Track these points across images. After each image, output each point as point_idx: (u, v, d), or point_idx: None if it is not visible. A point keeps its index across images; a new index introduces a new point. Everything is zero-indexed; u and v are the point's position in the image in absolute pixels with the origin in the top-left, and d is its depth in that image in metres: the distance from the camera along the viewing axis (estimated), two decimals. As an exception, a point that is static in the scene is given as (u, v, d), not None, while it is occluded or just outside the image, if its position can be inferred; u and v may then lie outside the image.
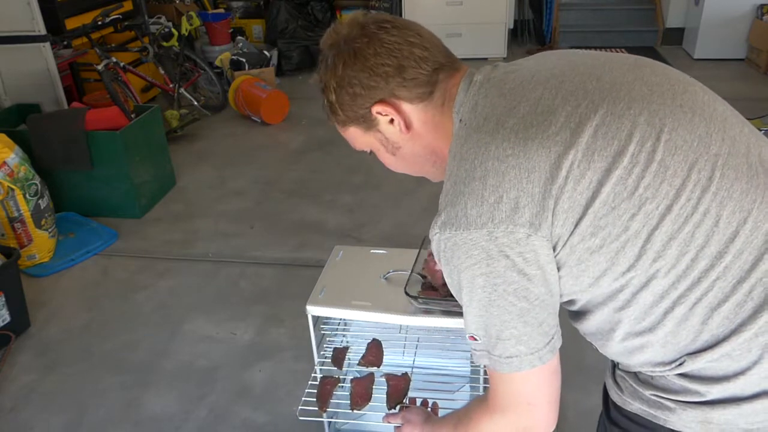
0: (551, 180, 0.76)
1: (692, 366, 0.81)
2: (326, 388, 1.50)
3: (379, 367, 1.49)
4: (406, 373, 1.48)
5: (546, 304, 0.82)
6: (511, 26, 6.32)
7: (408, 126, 0.92)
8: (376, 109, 0.91)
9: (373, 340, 1.56)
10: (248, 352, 2.40)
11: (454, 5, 5.87)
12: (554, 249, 0.79)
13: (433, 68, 0.89)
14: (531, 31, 6.57)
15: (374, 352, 1.53)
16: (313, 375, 1.58)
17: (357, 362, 1.52)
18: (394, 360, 1.63)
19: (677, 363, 0.82)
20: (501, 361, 0.84)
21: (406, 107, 0.91)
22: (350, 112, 0.93)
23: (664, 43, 6.26)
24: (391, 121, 0.92)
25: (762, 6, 5.36)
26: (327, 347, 1.64)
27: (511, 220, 0.77)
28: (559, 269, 0.82)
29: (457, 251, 0.81)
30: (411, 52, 0.88)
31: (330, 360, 1.56)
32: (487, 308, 0.82)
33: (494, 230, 0.77)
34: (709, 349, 0.80)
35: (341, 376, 1.56)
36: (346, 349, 1.58)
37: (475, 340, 0.87)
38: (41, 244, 2.98)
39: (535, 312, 0.81)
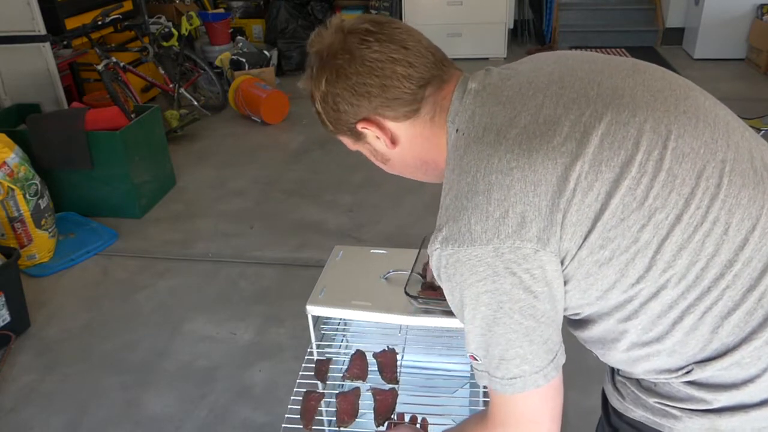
0: (559, 193, 0.74)
1: (700, 374, 0.80)
2: (310, 403, 1.40)
3: (364, 380, 1.43)
4: (393, 388, 1.41)
5: (551, 320, 0.80)
6: (511, 26, 6.32)
7: (394, 142, 0.91)
8: (361, 125, 0.90)
9: (357, 351, 1.49)
10: (248, 352, 2.40)
11: (454, 5, 5.87)
12: (562, 263, 0.77)
13: (419, 85, 0.86)
14: (531, 31, 6.57)
15: (358, 364, 1.44)
16: (298, 381, 1.48)
17: (341, 377, 1.44)
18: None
19: (684, 371, 0.81)
20: (503, 383, 0.81)
21: (391, 125, 0.89)
22: (337, 125, 0.93)
23: (664, 43, 6.26)
24: (378, 136, 0.91)
25: (762, 6, 5.36)
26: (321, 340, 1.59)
27: (518, 235, 0.74)
28: (566, 283, 0.80)
29: (460, 268, 0.78)
30: (393, 70, 0.84)
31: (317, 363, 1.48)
32: (491, 327, 0.79)
33: (500, 246, 0.75)
34: (718, 358, 0.78)
35: (333, 390, 1.48)
36: (328, 361, 1.50)
37: (476, 360, 0.84)
38: (41, 244, 2.98)
39: (541, 330, 0.79)
